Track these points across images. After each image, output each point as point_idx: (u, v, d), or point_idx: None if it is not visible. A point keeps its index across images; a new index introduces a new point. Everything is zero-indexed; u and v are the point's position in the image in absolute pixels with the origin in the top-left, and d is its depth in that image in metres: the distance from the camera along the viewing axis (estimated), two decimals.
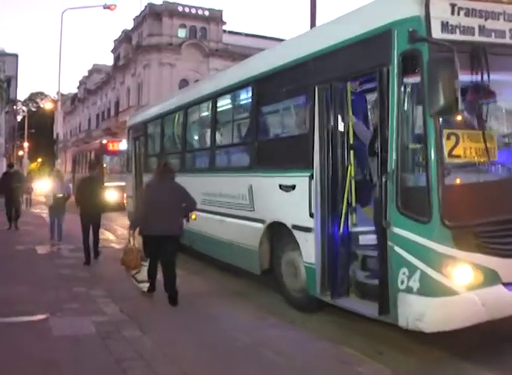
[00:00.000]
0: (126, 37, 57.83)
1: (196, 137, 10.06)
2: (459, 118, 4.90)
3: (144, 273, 7.19)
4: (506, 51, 5.06)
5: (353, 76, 5.98)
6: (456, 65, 4.39)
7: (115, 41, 62.17)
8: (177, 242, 7.22)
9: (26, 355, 5.06)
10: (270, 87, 7.33)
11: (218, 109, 9.07)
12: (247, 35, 56.98)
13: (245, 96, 8.32)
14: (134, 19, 55.56)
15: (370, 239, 6.16)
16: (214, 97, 8.99)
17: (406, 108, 4.96)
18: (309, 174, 6.13)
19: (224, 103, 9.10)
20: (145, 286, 7.23)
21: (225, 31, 54.86)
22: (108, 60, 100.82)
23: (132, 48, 54.85)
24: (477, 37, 4.95)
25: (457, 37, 4.84)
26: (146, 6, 52.41)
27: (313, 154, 6.12)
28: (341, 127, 6.00)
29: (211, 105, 9.11)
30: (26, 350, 5.21)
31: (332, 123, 5.98)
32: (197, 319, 6.28)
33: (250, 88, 7.79)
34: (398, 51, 4.93)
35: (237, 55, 52.61)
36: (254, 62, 8.43)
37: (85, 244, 9.89)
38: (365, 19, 5.52)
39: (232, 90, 8.51)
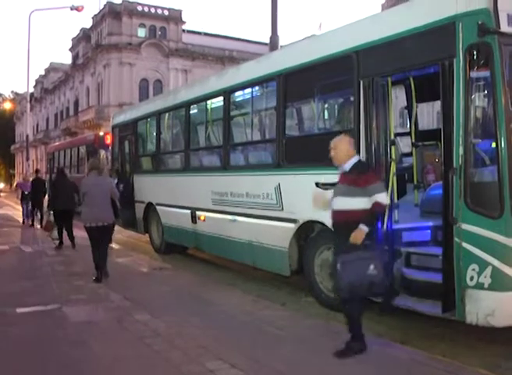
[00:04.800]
0: (85, 35, 56.86)
1: (207, 135, 9.66)
2: None
3: (54, 234, 12.21)
4: None
5: (407, 70, 5.89)
6: None
7: (73, 39, 61.00)
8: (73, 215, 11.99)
9: (54, 337, 5.50)
10: (303, 81, 7.12)
11: (236, 104, 8.83)
12: (206, 34, 57.01)
13: (269, 90, 7.98)
14: (93, 18, 54.66)
15: (413, 235, 6.11)
16: (230, 91, 8.65)
17: (472, 101, 4.89)
18: None
19: (242, 98, 8.87)
20: (56, 242, 12.16)
21: (184, 31, 54.70)
22: (66, 59, 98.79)
23: (91, 46, 53.93)
24: None
25: None
26: (105, 5, 51.73)
27: (359, 149, 5.99)
28: (385, 122, 5.94)
29: (227, 100, 8.72)
30: (52, 334, 5.62)
31: (377, 118, 5.90)
32: (197, 304, 6.78)
33: (275, 82, 7.46)
34: (464, 43, 4.84)
35: (197, 54, 52.71)
36: (281, 55, 8.12)
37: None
38: (425, 10, 5.38)
39: (253, 84, 8.17)
